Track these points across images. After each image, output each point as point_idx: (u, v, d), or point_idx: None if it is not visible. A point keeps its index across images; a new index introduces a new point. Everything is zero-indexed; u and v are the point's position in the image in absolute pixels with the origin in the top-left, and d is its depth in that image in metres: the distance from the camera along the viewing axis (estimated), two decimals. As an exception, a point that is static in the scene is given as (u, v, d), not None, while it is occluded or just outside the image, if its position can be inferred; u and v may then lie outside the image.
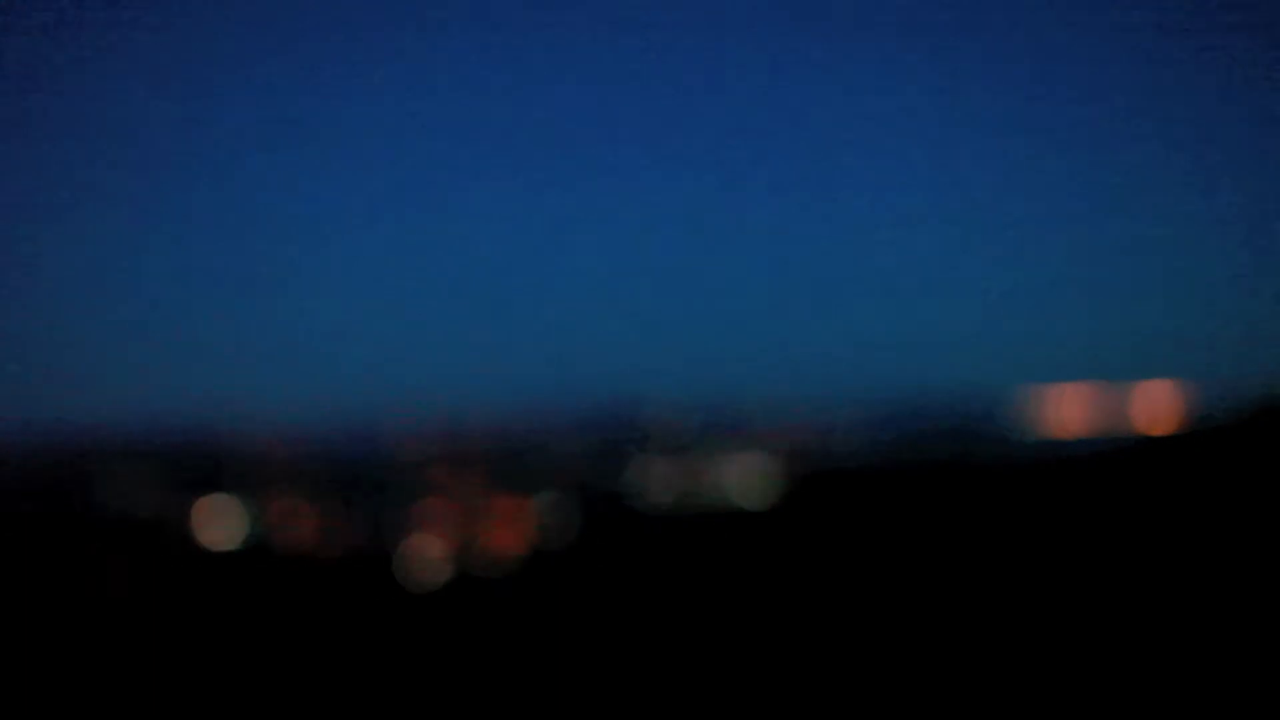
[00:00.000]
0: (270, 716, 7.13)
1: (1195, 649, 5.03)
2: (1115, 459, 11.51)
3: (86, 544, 17.09)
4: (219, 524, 18.76)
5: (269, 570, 15.71)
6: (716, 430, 23.21)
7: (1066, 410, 18.37)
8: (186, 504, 19.82)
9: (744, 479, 20.81)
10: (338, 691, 7.29)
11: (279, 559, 16.76)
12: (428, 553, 17.31)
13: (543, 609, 10.11)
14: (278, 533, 18.61)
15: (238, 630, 11.38)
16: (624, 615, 8.83)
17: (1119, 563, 7.01)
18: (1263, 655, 4.62)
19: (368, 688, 7.43)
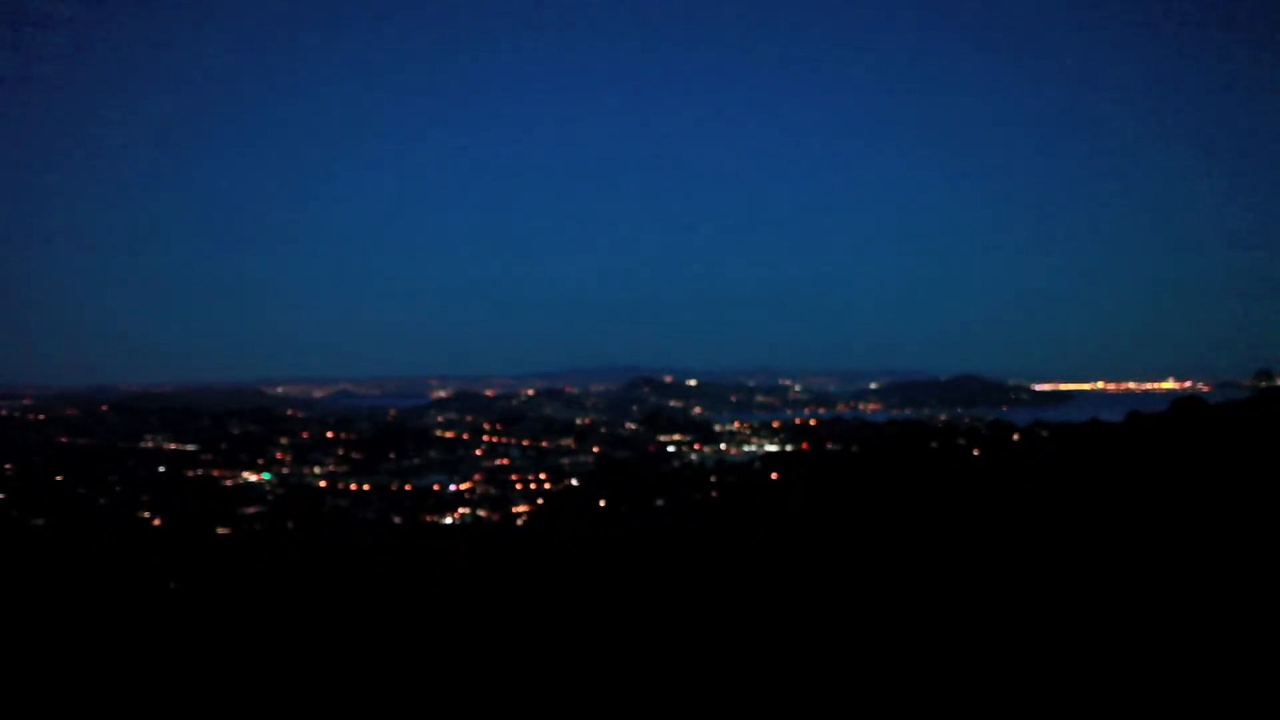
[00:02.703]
0: (306, 639, 7.63)
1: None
2: (1126, 427, 11.89)
3: (140, 481, 17.98)
4: (258, 469, 19.64)
5: (308, 507, 16.38)
6: (739, 397, 23.78)
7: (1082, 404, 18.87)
8: (231, 453, 20.78)
9: (763, 443, 21.47)
10: (367, 619, 7.78)
11: (319, 499, 17.46)
12: (458, 501, 17.97)
13: (566, 551, 10.62)
14: (317, 476, 19.40)
15: (272, 558, 12.07)
16: (643, 562, 9.30)
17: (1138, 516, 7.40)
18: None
19: (397, 616, 7.94)
